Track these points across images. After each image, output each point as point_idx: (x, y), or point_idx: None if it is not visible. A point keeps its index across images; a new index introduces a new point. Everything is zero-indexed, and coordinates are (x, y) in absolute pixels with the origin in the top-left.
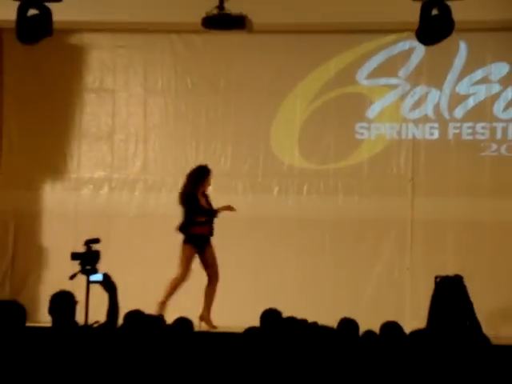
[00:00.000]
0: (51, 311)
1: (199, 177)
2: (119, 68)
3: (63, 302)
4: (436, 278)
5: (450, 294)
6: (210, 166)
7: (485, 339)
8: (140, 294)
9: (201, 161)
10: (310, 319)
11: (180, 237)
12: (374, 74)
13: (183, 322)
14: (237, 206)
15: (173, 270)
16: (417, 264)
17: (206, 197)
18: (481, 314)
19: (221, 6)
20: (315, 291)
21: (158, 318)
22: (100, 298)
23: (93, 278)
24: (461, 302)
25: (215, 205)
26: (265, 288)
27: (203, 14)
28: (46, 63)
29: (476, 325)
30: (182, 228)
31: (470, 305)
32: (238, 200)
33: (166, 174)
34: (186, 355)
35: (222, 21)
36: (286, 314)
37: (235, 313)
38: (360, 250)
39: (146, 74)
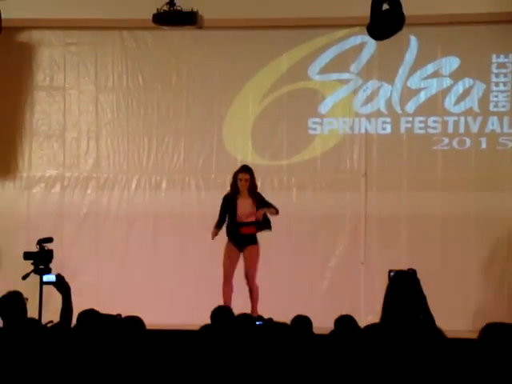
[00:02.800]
0: (0, 313)
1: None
2: (70, 65)
3: (12, 302)
4: (390, 272)
5: (403, 288)
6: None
7: (438, 333)
8: (94, 293)
9: (153, 158)
10: (266, 315)
11: (134, 235)
12: (326, 69)
13: (133, 321)
14: (190, 203)
15: (126, 267)
16: (371, 258)
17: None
18: (433, 308)
19: (171, 3)
20: (269, 287)
21: (113, 317)
22: (54, 297)
23: (46, 279)
24: (414, 296)
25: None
26: (215, 284)
27: (154, 11)
28: None
29: (429, 318)
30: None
31: (423, 298)
32: (191, 197)
33: (118, 172)
34: (139, 354)
35: (172, 17)
36: (241, 311)
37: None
38: (314, 246)
39: (96, 71)
